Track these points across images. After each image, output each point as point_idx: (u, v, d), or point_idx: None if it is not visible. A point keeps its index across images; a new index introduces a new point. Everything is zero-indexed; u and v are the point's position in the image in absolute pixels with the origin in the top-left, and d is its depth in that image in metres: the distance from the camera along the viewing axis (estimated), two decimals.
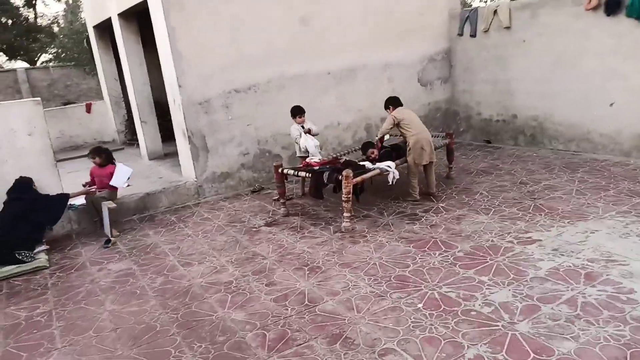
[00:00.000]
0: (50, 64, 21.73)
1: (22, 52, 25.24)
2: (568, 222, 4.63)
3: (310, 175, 5.28)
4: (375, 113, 8.09)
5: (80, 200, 5.87)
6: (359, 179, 5.10)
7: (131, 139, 10.32)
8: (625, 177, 5.74)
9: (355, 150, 6.58)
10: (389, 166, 5.43)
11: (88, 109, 10.87)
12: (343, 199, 4.95)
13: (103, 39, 10.10)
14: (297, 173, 5.41)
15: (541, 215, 4.88)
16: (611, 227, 4.40)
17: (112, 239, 5.36)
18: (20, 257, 4.77)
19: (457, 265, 3.99)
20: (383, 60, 8.04)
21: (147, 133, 8.61)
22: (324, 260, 4.37)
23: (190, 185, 6.62)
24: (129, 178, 5.97)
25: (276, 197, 6.16)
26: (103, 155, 5.97)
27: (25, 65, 24.27)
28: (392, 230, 4.91)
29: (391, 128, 5.73)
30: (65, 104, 15.39)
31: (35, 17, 26.75)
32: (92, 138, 11.00)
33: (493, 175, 6.46)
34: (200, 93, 6.52)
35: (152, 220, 6.04)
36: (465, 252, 4.22)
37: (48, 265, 4.81)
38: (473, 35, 8.15)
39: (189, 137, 6.51)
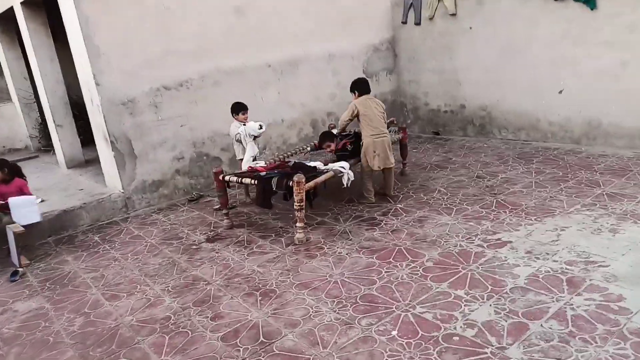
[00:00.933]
0: None
1: None
2: (535, 219, 4.35)
3: (256, 182, 4.66)
4: (321, 107, 7.59)
5: None
6: (311, 183, 4.56)
7: (47, 144, 9.14)
8: (581, 166, 5.61)
9: (301, 151, 6.02)
10: (342, 167, 4.94)
11: None
12: (295, 207, 4.39)
13: (7, 32, 8.83)
14: (241, 180, 4.77)
15: (505, 212, 4.59)
16: (580, 223, 4.16)
17: (19, 269, 4.47)
18: None
19: (428, 278, 3.56)
20: (326, 52, 7.53)
21: (63, 138, 7.56)
22: (278, 281, 3.80)
23: (116, 197, 5.78)
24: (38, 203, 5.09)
25: (217, 207, 5.50)
26: (6, 170, 5.01)
27: None
28: (350, 239, 4.42)
29: (350, 120, 5.20)
30: None
31: None
32: (1, 146, 9.66)
33: (448, 170, 6.15)
34: (123, 92, 5.68)
35: (71, 242, 5.17)
36: (435, 261, 3.81)
37: None
38: (418, 23, 7.82)
39: (111, 142, 5.66)
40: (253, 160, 5.17)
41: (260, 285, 3.76)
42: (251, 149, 5.31)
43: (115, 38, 5.54)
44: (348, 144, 5.36)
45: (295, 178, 4.35)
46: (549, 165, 5.80)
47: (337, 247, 4.28)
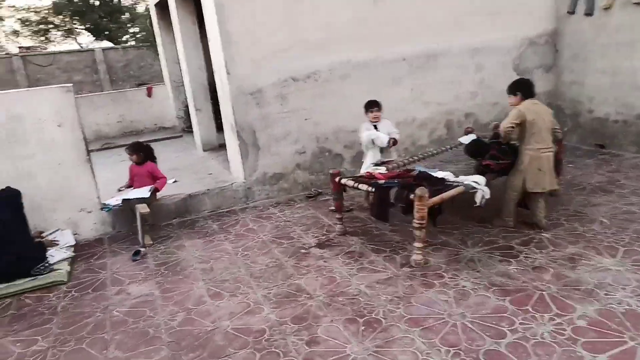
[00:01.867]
0: (128, 44, 22.17)
1: (106, 32, 26.06)
2: None
3: (373, 190, 4.21)
4: (458, 107, 6.81)
5: (115, 201, 5.24)
6: (437, 199, 3.95)
7: (189, 126, 9.76)
8: None
9: (433, 154, 5.39)
10: (476, 182, 4.23)
11: (149, 92, 10.48)
12: (415, 224, 3.84)
13: (164, 18, 9.54)
14: (358, 186, 4.35)
15: None
16: None
17: (142, 249, 4.66)
18: (33, 272, 4.17)
19: (578, 344, 2.78)
20: (470, 45, 6.68)
21: (201, 122, 7.94)
22: (386, 309, 3.32)
23: (238, 187, 5.80)
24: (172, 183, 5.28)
25: (333, 208, 5.17)
26: (141, 154, 5.28)
27: (110, 45, 24.92)
28: (478, 271, 3.74)
29: (513, 128, 4.23)
30: (139, 85, 15.38)
31: None
32: (153, 123, 10.63)
33: (614, 195, 5.00)
34: (251, 81, 5.62)
35: (192, 227, 5.29)
36: (590, 321, 2.98)
37: (66, 280, 4.18)
38: (589, 14, 6.53)
39: (237, 132, 5.66)
40: (375, 166, 4.72)
41: (365, 312, 3.32)
42: (371, 157, 4.87)
43: (246, 26, 5.48)
44: (493, 166, 4.43)
45: (417, 191, 3.78)
46: None
47: (461, 279, 3.64)
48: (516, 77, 6.95)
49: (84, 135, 5.05)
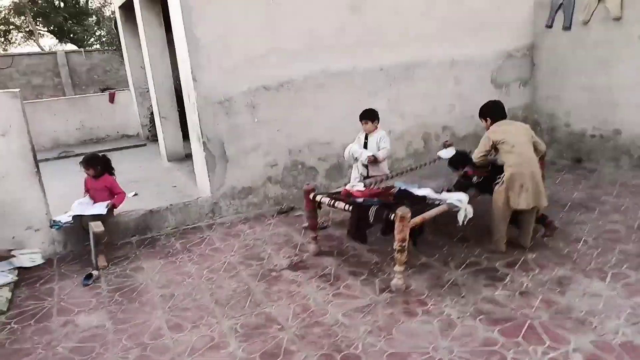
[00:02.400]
0: (93, 48, 21.35)
1: (71, 35, 25.08)
2: None
3: (351, 209, 3.91)
4: (436, 120, 6.62)
5: (66, 217, 4.77)
6: (418, 219, 3.68)
7: (155, 134, 9.28)
8: None
9: (411, 170, 5.15)
10: (459, 199, 3.98)
11: (111, 98, 9.94)
12: (395, 247, 3.55)
13: (129, 20, 9.07)
14: (334, 203, 4.05)
15: None
16: None
17: (94, 272, 4.20)
18: None
19: None
20: (449, 57, 6.52)
21: (167, 131, 7.50)
22: (366, 343, 3.01)
23: (204, 202, 5.40)
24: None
25: (306, 225, 4.86)
26: (98, 167, 4.82)
27: (74, 48, 23.96)
28: (463, 296, 3.48)
29: (485, 155, 4.16)
30: (103, 90, 14.70)
31: (87, 0, 26.50)
32: (115, 131, 10.08)
33: (596, 213, 4.86)
34: (220, 89, 5.26)
35: (152, 246, 4.86)
36: (587, 354, 2.74)
37: (5, 309, 3.68)
38: (567, 28, 6.48)
39: (204, 142, 5.28)
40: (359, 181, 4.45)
41: (342, 345, 3.00)
42: (355, 171, 4.60)
43: (217, 32, 5.13)
44: (471, 173, 4.33)
45: (398, 211, 3.51)
46: None
47: (445, 306, 3.37)
48: (494, 90, 6.93)
49: (32, 144, 4.57)
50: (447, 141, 5.79)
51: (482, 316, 3.21)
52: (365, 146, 4.87)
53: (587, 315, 3.12)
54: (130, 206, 5.24)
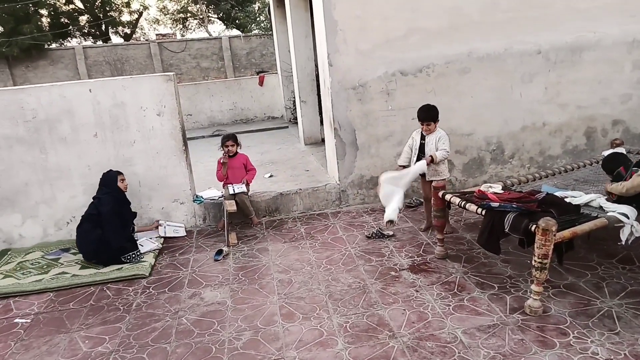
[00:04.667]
0: (252, 33, 23.02)
1: (236, 21, 27.43)
2: None
3: (483, 213, 3.47)
4: (605, 113, 5.62)
5: (211, 193, 5.16)
6: (567, 233, 3.10)
7: (296, 117, 9.61)
8: None
9: (566, 171, 4.42)
10: (624, 214, 3.27)
11: (261, 81, 10.52)
12: (534, 263, 3.06)
13: (280, 6, 9.43)
14: (464, 205, 3.64)
15: None
16: None
17: (225, 249, 4.47)
18: (124, 259, 4.22)
19: None
20: (628, 35, 5.42)
21: (305, 114, 7.67)
22: None
23: (331, 188, 5.38)
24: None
25: (423, 228, 4.56)
26: (239, 145, 5.09)
27: (237, 33, 26.15)
28: (616, 333, 2.86)
29: None
30: (258, 73, 15.80)
31: None
32: (262, 112, 10.69)
33: None
34: (355, 74, 5.12)
35: (279, 228, 5.00)
36: None
37: (147, 274, 4.13)
38: None
39: (335, 129, 5.22)
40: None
41: None
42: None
43: (355, 12, 4.98)
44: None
45: (541, 222, 2.99)
46: None
47: (591, 342, 2.80)
48: None
49: (182, 125, 5.00)
50: (616, 139, 4.85)
51: None
52: (422, 148, 4.30)
53: None
54: (263, 187, 5.47)
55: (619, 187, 3.42)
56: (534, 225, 3.06)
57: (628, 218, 3.24)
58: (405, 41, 5.12)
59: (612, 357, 2.66)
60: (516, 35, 5.26)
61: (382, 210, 5.25)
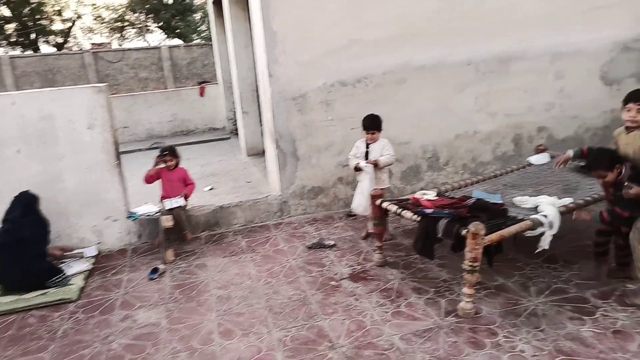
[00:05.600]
0: (194, 42, 22.65)
1: (177, 31, 26.86)
2: None
3: (418, 219, 3.56)
4: (531, 120, 5.93)
5: (147, 209, 4.97)
6: (495, 236, 3.24)
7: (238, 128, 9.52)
8: None
9: (495, 177, 4.63)
10: (545, 214, 3.45)
11: (202, 92, 10.34)
12: (465, 267, 3.17)
13: (220, 16, 9.32)
14: (400, 212, 3.73)
15: None
16: None
17: (161, 267, 4.31)
18: (49, 284, 3.96)
19: None
20: (551, 48, 5.77)
21: (247, 125, 7.61)
22: None
23: (273, 200, 5.34)
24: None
25: (364, 235, 4.63)
26: (179, 159, 4.95)
27: (179, 42, 25.58)
28: (541, 330, 3.01)
29: None
30: (200, 84, 15.51)
31: None
32: (204, 124, 10.49)
33: None
34: (295, 85, 5.13)
35: (219, 243, 4.90)
36: None
37: (75, 298, 3.89)
38: None
39: (275, 140, 5.20)
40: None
41: None
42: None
43: (294, 23, 4.99)
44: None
45: (470, 227, 3.11)
46: None
47: (519, 340, 2.93)
48: (603, 88, 6.03)
49: (115, 138, 4.80)
50: (540, 145, 5.15)
51: (562, 357, 2.74)
52: (367, 156, 4.42)
53: None
54: (203, 201, 5.34)
55: None
56: (465, 230, 3.18)
57: (547, 218, 3.41)
58: (344, 52, 5.20)
59: (537, 353, 2.79)
60: (449, 47, 5.47)
61: (324, 220, 5.31)
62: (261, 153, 7.61)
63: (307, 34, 5.06)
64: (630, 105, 3.23)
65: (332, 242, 4.60)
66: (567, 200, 3.69)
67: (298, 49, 5.05)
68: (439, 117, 5.62)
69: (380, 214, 4.02)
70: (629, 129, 3.34)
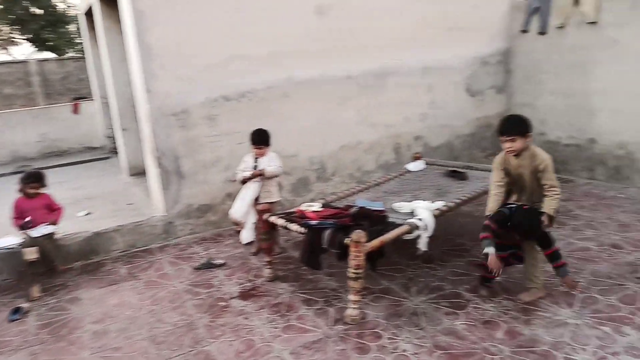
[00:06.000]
0: (67, 56, 20.90)
1: (48, 43, 24.55)
2: None
3: (304, 232, 3.59)
4: (408, 130, 6.35)
5: (7, 241, 4.38)
6: (376, 242, 3.37)
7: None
8: None
9: (377, 184, 4.84)
10: (419, 218, 3.68)
11: (75, 109, 9.53)
12: (350, 274, 3.25)
13: (93, 27, 8.68)
14: (287, 225, 3.73)
15: None
16: None
17: (24, 305, 3.83)
18: None
19: None
20: (422, 63, 6.26)
21: (127, 143, 7.14)
22: None
23: (157, 221, 5.05)
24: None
25: (254, 252, 4.58)
26: (45, 185, 4.45)
27: (50, 56, 23.42)
28: (421, 328, 3.18)
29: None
30: (75, 99, 14.28)
31: (65, 8, 25.95)
32: (79, 143, 9.65)
33: (568, 228, 4.61)
34: (175, 100, 4.93)
35: (95, 272, 4.49)
36: None
37: None
38: (542, 33, 6.25)
39: (157, 157, 4.94)
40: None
41: None
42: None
43: (172, 38, 4.81)
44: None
45: (353, 235, 3.20)
46: None
47: (401, 339, 3.06)
48: (468, 98, 6.66)
49: None
50: (417, 153, 5.51)
51: (439, 352, 2.91)
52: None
53: (551, 349, 2.84)
54: (76, 227, 4.87)
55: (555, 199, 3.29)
56: (348, 239, 3.26)
57: (422, 221, 3.64)
58: (226, 67, 5.12)
59: (418, 351, 2.94)
60: (330, 63, 5.66)
61: (213, 238, 5.14)
62: (144, 172, 7.18)
63: (187, 49, 4.90)
64: (502, 138, 3.30)
65: (221, 261, 4.46)
66: (440, 204, 3.98)
67: (177, 64, 4.87)
68: (323, 129, 5.76)
69: (269, 229, 3.98)
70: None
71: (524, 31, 6.48)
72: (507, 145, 3.28)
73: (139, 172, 7.12)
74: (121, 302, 3.87)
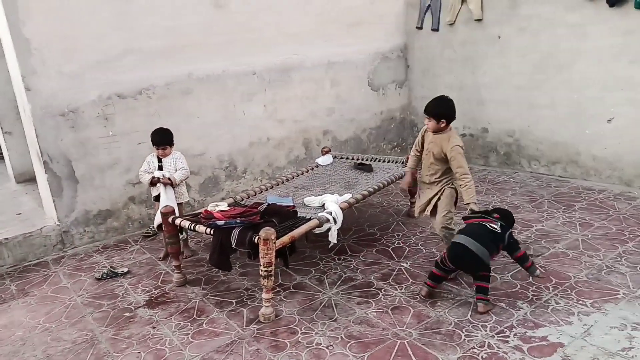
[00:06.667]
0: None
1: None
2: (592, 305, 3.15)
3: (212, 232, 3.48)
4: (316, 125, 6.41)
5: None
6: (286, 238, 3.36)
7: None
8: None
9: (287, 180, 4.84)
10: (329, 212, 3.74)
11: None
12: (261, 273, 3.20)
13: None
14: (194, 227, 3.59)
15: (549, 289, 3.39)
16: None
17: None
18: None
19: None
20: (325, 58, 6.34)
21: (12, 147, 6.46)
22: None
23: (50, 231, 4.62)
24: None
25: (162, 256, 4.38)
26: None
27: None
28: (335, 319, 3.23)
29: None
30: None
31: None
32: None
33: (465, 212, 4.93)
34: (62, 99, 4.53)
35: None
36: None
37: None
38: (435, 29, 6.63)
39: (45, 162, 4.51)
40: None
41: None
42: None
43: (55, 30, 4.40)
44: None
45: (261, 233, 3.16)
46: (596, 215, 4.58)
47: (316, 333, 3.09)
48: (371, 93, 6.88)
49: None
50: (325, 147, 5.59)
51: (352, 341, 2.97)
52: (160, 170, 4.21)
53: (455, 328, 3.02)
54: None
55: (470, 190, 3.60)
56: (256, 237, 3.21)
57: (331, 215, 3.70)
58: (120, 62, 4.79)
59: (332, 343, 2.98)
60: (233, 57, 5.52)
61: (116, 246, 4.82)
62: (34, 178, 6.56)
63: (73, 43, 4.51)
64: (425, 116, 3.63)
65: (125, 269, 4.19)
66: (347, 196, 4.06)
67: (62, 59, 4.47)
68: (230, 126, 5.64)
69: (174, 232, 3.81)
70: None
71: (419, 28, 6.83)
72: (425, 121, 3.65)
73: (29, 179, 6.49)
74: (10, 322, 3.49)
